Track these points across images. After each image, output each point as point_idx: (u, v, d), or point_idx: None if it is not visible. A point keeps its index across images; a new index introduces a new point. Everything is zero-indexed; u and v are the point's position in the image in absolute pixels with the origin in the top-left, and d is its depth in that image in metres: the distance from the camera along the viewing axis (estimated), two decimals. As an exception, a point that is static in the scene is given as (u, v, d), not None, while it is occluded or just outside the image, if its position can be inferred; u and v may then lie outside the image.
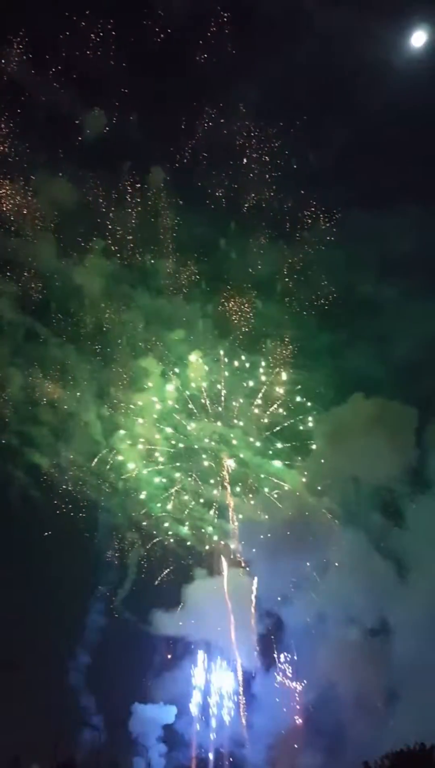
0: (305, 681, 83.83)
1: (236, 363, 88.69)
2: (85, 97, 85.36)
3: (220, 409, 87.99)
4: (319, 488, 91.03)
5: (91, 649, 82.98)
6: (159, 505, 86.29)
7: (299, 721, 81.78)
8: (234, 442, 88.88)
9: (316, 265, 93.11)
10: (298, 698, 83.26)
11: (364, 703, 77.75)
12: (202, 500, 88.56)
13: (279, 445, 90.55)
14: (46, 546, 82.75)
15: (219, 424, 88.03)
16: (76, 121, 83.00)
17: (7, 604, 75.93)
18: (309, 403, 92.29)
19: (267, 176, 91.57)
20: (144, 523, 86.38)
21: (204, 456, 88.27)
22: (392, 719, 75.19)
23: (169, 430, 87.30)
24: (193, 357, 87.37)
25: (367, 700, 78.03)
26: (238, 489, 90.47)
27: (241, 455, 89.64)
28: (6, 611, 75.70)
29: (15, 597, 79.01)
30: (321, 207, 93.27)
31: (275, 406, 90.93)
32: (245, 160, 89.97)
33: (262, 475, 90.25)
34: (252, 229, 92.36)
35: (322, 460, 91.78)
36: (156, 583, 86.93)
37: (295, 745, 79.56)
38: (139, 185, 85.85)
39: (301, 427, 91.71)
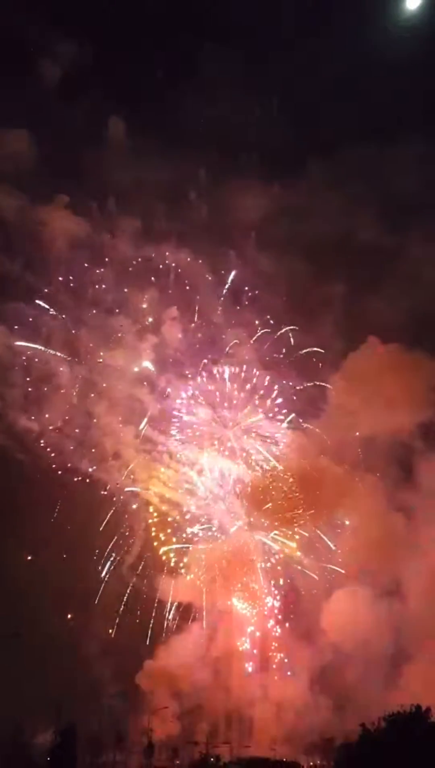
0: (316, 643, 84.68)
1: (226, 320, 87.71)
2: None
3: (212, 369, 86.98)
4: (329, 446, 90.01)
5: (97, 615, 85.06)
6: (147, 470, 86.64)
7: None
8: (233, 403, 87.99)
9: (312, 209, 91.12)
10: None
11: (374, 665, 78.85)
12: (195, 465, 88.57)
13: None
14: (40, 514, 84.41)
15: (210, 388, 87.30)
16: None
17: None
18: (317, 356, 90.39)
19: (256, 111, 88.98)
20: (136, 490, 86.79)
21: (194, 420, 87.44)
22: (402, 680, 76.26)
23: (147, 392, 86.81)
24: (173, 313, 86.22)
25: (377, 661, 79.11)
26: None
27: (243, 418, 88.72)
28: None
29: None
30: (316, 143, 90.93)
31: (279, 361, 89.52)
32: (230, 93, 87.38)
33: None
34: (239, 170, 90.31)
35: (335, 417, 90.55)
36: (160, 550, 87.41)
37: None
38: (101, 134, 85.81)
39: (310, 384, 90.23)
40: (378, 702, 70.57)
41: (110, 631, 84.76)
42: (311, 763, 77.99)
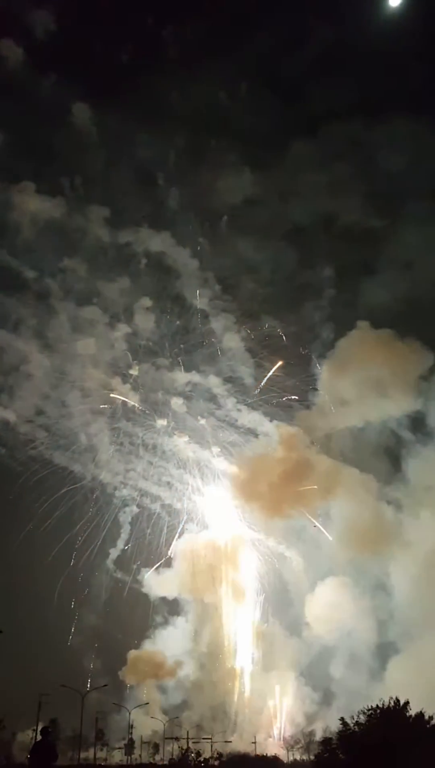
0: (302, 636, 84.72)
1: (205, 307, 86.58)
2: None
3: (187, 358, 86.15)
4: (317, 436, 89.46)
5: (80, 610, 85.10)
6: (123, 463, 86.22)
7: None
8: (214, 392, 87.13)
9: (295, 191, 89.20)
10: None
11: (359, 658, 78.96)
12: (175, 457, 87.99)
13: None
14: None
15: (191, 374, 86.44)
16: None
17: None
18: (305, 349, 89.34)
19: (236, 87, 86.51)
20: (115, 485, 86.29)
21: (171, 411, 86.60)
22: (388, 673, 76.21)
23: (122, 381, 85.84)
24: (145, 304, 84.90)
25: (363, 654, 79.22)
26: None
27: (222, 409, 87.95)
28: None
29: None
30: (298, 121, 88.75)
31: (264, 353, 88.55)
32: (206, 71, 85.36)
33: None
34: (216, 152, 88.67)
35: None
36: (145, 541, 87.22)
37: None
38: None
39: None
40: (364, 695, 70.77)
41: (94, 626, 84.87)
42: (292, 758, 78.13)
